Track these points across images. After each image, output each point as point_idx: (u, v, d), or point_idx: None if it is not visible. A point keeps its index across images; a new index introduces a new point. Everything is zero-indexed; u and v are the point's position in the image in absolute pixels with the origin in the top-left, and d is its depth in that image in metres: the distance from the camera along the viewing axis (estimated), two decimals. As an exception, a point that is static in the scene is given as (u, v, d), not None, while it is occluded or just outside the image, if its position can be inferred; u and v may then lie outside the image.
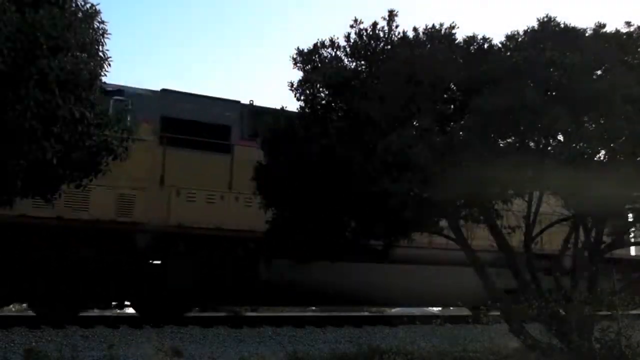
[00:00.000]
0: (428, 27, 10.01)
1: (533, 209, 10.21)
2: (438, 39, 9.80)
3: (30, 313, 13.53)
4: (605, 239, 10.35)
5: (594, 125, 8.88)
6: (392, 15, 10.28)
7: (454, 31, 9.90)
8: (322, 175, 10.03)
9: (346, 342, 11.88)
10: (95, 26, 8.19)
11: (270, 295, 14.37)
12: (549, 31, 9.53)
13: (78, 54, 7.77)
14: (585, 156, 8.74)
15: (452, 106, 9.93)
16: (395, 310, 20.89)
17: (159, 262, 13.52)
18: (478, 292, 10.68)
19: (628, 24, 9.66)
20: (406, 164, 8.69)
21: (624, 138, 8.86)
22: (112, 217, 12.67)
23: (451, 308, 18.85)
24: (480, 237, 11.18)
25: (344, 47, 10.54)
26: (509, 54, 9.54)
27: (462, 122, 9.40)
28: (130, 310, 14.74)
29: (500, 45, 9.75)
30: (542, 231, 10.59)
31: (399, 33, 10.26)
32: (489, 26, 57.79)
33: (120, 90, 12.86)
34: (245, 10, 76.71)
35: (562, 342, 8.81)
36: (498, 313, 9.67)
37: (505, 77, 8.82)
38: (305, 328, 13.25)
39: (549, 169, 8.90)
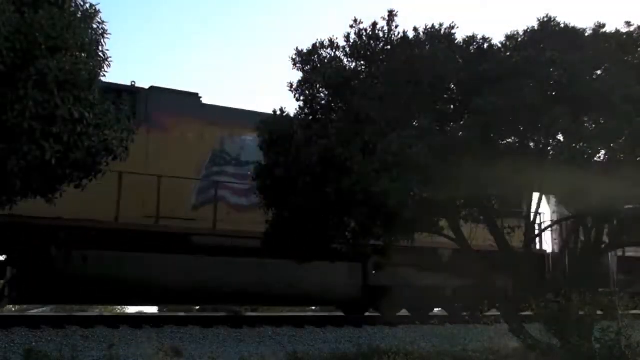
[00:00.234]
0: (428, 27, 9.97)
1: (533, 209, 10.21)
2: (438, 39, 9.77)
3: (31, 313, 13.50)
4: (605, 239, 10.35)
5: (594, 125, 8.86)
6: (391, 15, 10.25)
7: (453, 31, 9.87)
8: (322, 175, 10.01)
9: (346, 342, 11.89)
10: (95, 26, 8.21)
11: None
12: (549, 31, 9.53)
13: (77, 54, 7.79)
14: (585, 156, 8.73)
15: (452, 106, 9.93)
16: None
17: None
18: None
19: (628, 24, 9.66)
20: (406, 164, 8.67)
21: (624, 138, 8.86)
22: None
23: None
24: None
25: (344, 48, 10.50)
26: (509, 54, 9.53)
27: (462, 122, 9.38)
28: (131, 310, 14.73)
29: (500, 45, 9.74)
30: (542, 231, 10.60)
31: (398, 33, 10.22)
32: (489, 26, 57.84)
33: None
34: (245, 10, 76.79)
35: (562, 342, 8.80)
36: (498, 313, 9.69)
37: (505, 77, 8.81)
38: (305, 328, 13.22)
39: (549, 169, 8.90)
